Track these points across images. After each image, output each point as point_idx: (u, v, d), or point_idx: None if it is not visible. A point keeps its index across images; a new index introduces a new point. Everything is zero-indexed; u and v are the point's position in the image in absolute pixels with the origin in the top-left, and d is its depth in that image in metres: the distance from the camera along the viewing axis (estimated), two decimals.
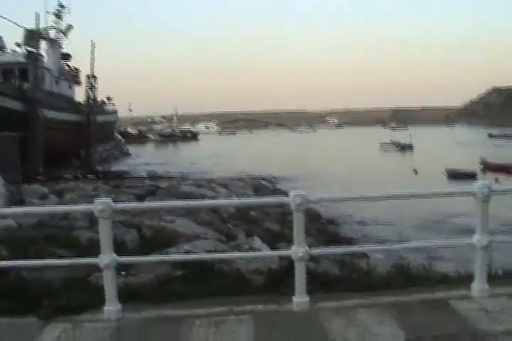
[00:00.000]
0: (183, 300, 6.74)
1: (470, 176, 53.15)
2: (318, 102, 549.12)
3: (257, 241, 10.18)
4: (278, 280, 7.59)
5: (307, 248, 6.31)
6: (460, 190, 6.87)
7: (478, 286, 6.57)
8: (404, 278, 7.29)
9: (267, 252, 7.94)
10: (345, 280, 7.68)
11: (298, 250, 6.26)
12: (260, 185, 42.08)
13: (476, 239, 6.44)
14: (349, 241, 26.17)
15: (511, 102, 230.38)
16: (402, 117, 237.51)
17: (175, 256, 7.50)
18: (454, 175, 53.76)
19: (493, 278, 6.89)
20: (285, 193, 41.99)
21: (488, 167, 60.19)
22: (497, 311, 6.09)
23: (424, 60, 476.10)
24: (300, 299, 6.40)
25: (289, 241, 6.97)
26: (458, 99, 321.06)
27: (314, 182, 54.28)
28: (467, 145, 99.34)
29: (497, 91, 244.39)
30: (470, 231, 6.73)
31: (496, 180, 49.62)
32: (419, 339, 5.48)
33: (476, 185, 6.34)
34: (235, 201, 8.89)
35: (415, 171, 59.84)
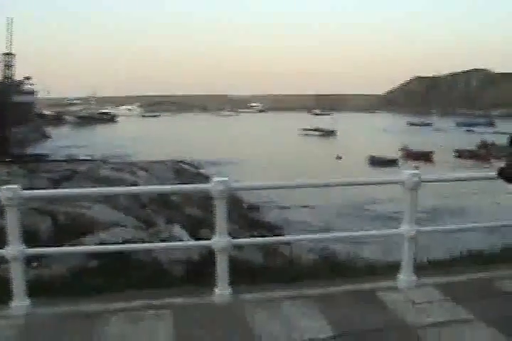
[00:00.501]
0: (98, 294, 6.30)
1: (391, 162, 54.40)
2: (243, 87, 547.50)
3: (177, 229, 9.78)
4: (199, 271, 7.27)
5: (230, 238, 5.98)
6: (389, 179, 6.67)
7: (405, 277, 6.40)
8: (330, 268, 7.07)
9: (187, 243, 7.55)
10: (270, 269, 7.41)
11: (220, 240, 5.92)
12: (182, 169, 41.64)
13: (404, 228, 6.27)
14: (272, 227, 26.22)
15: (431, 91, 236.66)
16: (326, 104, 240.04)
17: (89, 247, 7.00)
18: (376, 162, 54.84)
19: (419, 268, 6.76)
20: (207, 177, 41.94)
21: (408, 154, 61.79)
22: (424, 302, 5.94)
23: (349, 50, 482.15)
24: (222, 291, 6.07)
25: (211, 227, 6.63)
26: (382, 87, 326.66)
27: (237, 167, 54.31)
28: (388, 133, 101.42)
29: (418, 80, 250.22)
30: (391, 219, 6.56)
31: (416, 167, 50.82)
32: (346, 334, 5.25)
33: (405, 174, 6.17)
34: (155, 188, 8.44)
35: (338, 157, 60.64)
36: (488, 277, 6.75)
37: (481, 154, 63.39)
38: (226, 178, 5.90)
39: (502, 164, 5.63)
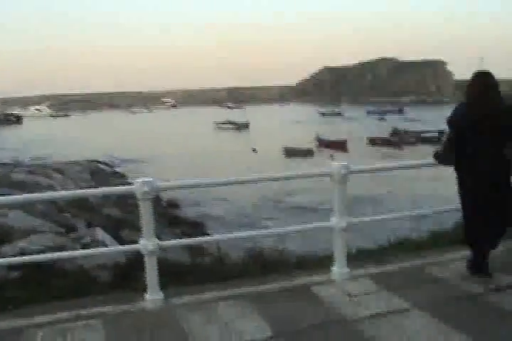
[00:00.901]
0: (21, 308, 5.95)
1: (307, 153, 55.00)
2: (155, 84, 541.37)
3: (99, 232, 9.46)
4: (128, 275, 7.01)
5: (157, 241, 5.76)
6: (318, 172, 6.58)
7: (339, 269, 6.35)
8: (261, 265, 6.94)
9: (112, 248, 7.26)
10: (199, 270, 7.22)
11: (148, 243, 5.69)
12: (98, 169, 40.75)
13: (335, 221, 6.21)
14: (192, 224, 25.96)
15: (341, 81, 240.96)
16: (238, 97, 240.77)
17: (6, 259, 6.57)
18: (291, 153, 55.25)
19: (351, 260, 6.72)
20: (123, 176, 41.30)
21: (322, 143, 62.68)
22: (360, 294, 5.90)
23: (261, 41, 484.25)
24: (153, 296, 5.85)
25: (133, 228, 6.39)
26: (293, 78, 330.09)
27: (153, 164, 53.55)
28: (300, 123, 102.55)
29: (328, 70, 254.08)
30: (309, 210, 6.51)
31: (331, 156, 51.61)
32: (285, 332, 5.12)
33: (334, 166, 6.09)
34: (77, 193, 8.01)
35: (254, 150, 60.80)
36: (419, 264, 6.82)
37: (394, 141, 64.88)
38: (151, 179, 5.66)
39: (437, 147, 5.77)
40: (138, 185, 5.52)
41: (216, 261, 8.02)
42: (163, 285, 6.06)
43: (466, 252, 7.10)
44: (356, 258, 7.15)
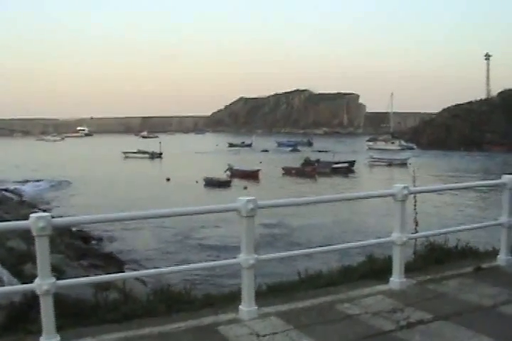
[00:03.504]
0: None
1: (224, 183, 55.27)
2: (68, 111, 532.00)
3: None
4: (23, 317, 6.51)
5: (54, 280, 5.36)
6: (224, 207, 6.33)
7: (246, 308, 6.09)
8: (166, 303, 6.59)
9: (7, 287, 6.73)
10: (101, 308, 6.80)
11: (43, 283, 5.27)
12: (4, 198, 39.13)
13: (242, 258, 5.97)
14: (105, 256, 25.16)
15: (255, 111, 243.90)
16: (152, 125, 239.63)
17: None
18: (210, 183, 55.36)
19: (260, 297, 6.49)
20: (33, 206, 39.93)
21: (235, 174, 63.08)
22: (269, 334, 5.65)
23: (176, 70, 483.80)
24: (49, 340, 5.40)
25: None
26: (208, 108, 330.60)
27: (63, 193, 52.27)
28: (212, 153, 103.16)
29: (243, 100, 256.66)
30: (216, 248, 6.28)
31: (245, 187, 51.93)
32: None
33: (240, 201, 5.85)
34: None
35: (168, 179, 60.49)
36: (329, 300, 6.66)
37: (307, 171, 65.92)
38: (47, 213, 5.28)
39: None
40: (33, 219, 5.13)
41: (121, 298, 7.62)
42: (62, 327, 5.65)
43: (376, 287, 7.05)
44: (266, 294, 6.92)
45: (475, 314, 6.17)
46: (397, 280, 7.02)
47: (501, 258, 8.10)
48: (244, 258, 5.94)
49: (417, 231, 8.53)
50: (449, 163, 79.74)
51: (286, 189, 52.81)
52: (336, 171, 67.93)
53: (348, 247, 7.08)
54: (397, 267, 7.02)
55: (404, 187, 6.82)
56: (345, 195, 6.44)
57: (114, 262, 23.66)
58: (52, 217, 5.34)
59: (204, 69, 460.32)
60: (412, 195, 8.05)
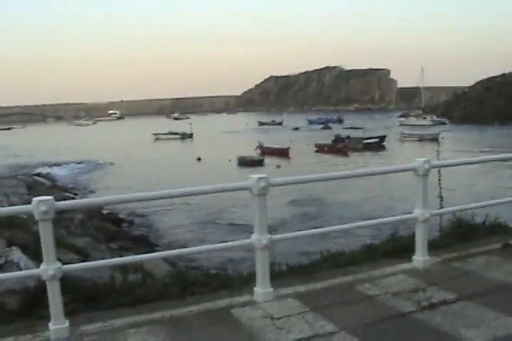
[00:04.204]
0: None
1: (258, 162, 55.18)
2: (99, 95, 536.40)
3: (16, 252, 8.77)
4: (36, 301, 6.39)
5: (60, 264, 5.21)
6: (236, 186, 6.09)
7: (262, 289, 5.88)
8: (181, 286, 6.42)
9: (11, 273, 6.61)
10: (116, 292, 6.65)
11: (48, 268, 5.13)
12: (35, 183, 39.50)
13: (255, 238, 5.75)
14: (135, 238, 25.23)
15: (286, 90, 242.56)
16: (184, 106, 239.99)
17: None
18: (244, 162, 55.35)
19: (278, 278, 6.29)
20: (64, 190, 40.27)
21: (265, 151, 63.31)
22: (284, 317, 5.44)
23: (205, 51, 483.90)
24: (58, 325, 5.26)
25: (58, 245, 5.80)
26: (239, 88, 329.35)
27: (96, 176, 52.62)
28: (243, 133, 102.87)
29: (273, 79, 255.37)
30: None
31: (278, 166, 51.93)
32: None
33: (252, 179, 5.64)
34: None
35: (199, 159, 60.55)
36: (350, 281, 6.42)
37: (339, 147, 66.14)
38: (50, 197, 5.12)
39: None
40: (34, 203, 4.97)
41: (139, 280, 7.48)
42: (74, 311, 5.52)
43: (399, 266, 6.79)
44: (284, 275, 6.72)
45: (501, 293, 5.87)
46: (420, 258, 6.73)
47: None
48: (258, 238, 5.73)
49: (442, 207, 8.22)
50: (482, 138, 78.29)
51: (319, 165, 52.62)
52: (367, 147, 67.55)
53: (368, 225, 6.80)
54: (420, 245, 6.72)
55: (426, 161, 6.48)
56: (362, 170, 6.22)
57: (144, 244, 23.73)
58: (57, 201, 5.19)
59: (233, 49, 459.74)
60: (437, 170, 7.74)
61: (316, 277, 6.59)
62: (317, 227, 7.19)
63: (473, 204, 7.61)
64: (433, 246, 7.22)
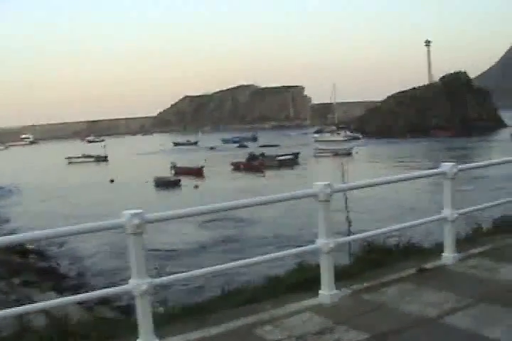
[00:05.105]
0: None
1: (174, 183, 54.61)
2: (13, 118, 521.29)
3: None
4: None
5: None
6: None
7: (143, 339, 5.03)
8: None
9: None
10: None
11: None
12: None
13: (133, 283, 4.91)
14: (43, 270, 23.79)
15: (201, 109, 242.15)
16: (99, 129, 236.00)
17: None
18: (161, 183, 54.84)
19: (167, 323, 5.47)
20: None
21: (179, 171, 63.09)
22: None
23: (119, 72, 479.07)
24: None
25: None
26: (154, 109, 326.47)
27: (9, 202, 50.44)
28: (158, 154, 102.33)
29: (188, 99, 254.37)
30: None
31: (196, 186, 51.58)
32: None
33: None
34: None
35: (112, 181, 59.95)
36: (250, 323, 5.63)
37: (255, 165, 66.62)
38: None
39: None
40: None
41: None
42: None
43: (304, 302, 6.10)
44: (176, 319, 5.89)
45: (417, 329, 5.23)
46: (326, 292, 5.99)
47: (446, 256, 7.23)
48: (136, 282, 4.90)
49: (350, 233, 7.59)
50: (394, 151, 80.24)
51: (236, 183, 53.02)
52: (282, 164, 68.04)
53: (266, 259, 5.98)
54: (326, 278, 5.99)
55: (326, 185, 5.83)
56: (261, 198, 5.42)
57: (51, 277, 22.40)
58: None
59: (148, 70, 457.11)
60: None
61: (212, 319, 5.77)
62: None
63: (384, 229, 6.99)
64: (342, 275, 6.58)
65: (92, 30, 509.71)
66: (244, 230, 31.14)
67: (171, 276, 5.35)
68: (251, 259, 5.96)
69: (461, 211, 7.48)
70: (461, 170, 7.28)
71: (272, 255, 6.03)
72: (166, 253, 26.53)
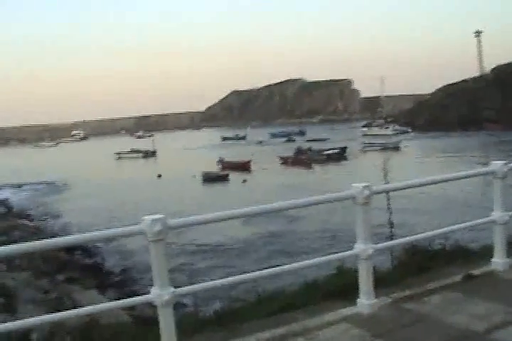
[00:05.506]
0: None
1: (222, 178, 54.60)
2: (63, 114, 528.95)
3: None
4: None
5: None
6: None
7: None
8: None
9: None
10: None
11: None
12: None
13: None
14: (87, 267, 23.86)
15: (249, 104, 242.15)
16: (148, 124, 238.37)
17: None
18: (209, 178, 54.88)
19: (195, 332, 5.16)
20: (19, 216, 38.73)
21: (226, 166, 63.22)
22: None
23: (165, 67, 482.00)
24: None
25: None
26: (203, 103, 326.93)
27: (56, 198, 51.12)
28: (207, 148, 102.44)
29: (236, 94, 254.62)
30: None
31: (244, 180, 51.52)
32: None
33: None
34: None
35: (159, 176, 60.12)
36: (281, 334, 5.27)
37: (302, 159, 66.37)
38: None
39: None
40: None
41: None
42: None
43: (342, 311, 5.73)
44: (203, 327, 5.60)
45: None
46: (365, 301, 5.58)
47: (496, 262, 6.73)
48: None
49: (392, 236, 7.16)
50: (443, 145, 78.64)
51: (284, 177, 52.69)
52: (329, 158, 67.69)
53: (303, 266, 5.62)
54: (365, 285, 5.58)
55: (365, 187, 5.44)
56: (297, 202, 5.04)
57: (95, 273, 22.49)
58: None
59: (195, 64, 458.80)
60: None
61: (241, 330, 5.46)
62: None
63: (429, 233, 6.53)
64: (383, 282, 6.18)
65: (139, 24, 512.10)
66: (290, 227, 30.70)
67: (196, 285, 5.02)
68: (284, 267, 5.58)
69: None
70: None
71: (308, 262, 5.63)
72: (201, 249, 26.67)
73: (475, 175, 7.74)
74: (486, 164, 7.31)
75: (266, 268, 5.57)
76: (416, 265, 6.92)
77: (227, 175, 56.33)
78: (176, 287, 4.69)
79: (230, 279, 5.13)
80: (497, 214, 6.69)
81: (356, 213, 5.53)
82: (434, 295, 6.01)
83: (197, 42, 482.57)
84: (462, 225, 6.84)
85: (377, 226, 6.48)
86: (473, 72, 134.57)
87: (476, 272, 6.61)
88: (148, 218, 4.47)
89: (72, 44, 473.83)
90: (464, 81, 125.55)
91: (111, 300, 14.05)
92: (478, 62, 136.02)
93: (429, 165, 53.29)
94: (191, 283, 5.26)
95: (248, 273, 5.49)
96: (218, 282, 5.03)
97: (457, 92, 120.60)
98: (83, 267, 23.47)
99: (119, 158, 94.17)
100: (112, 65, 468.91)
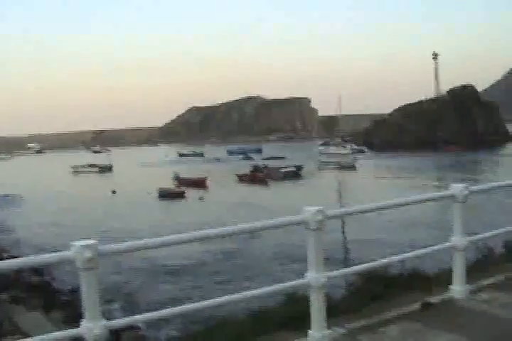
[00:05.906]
0: None
1: (179, 195, 54.04)
2: (19, 127, 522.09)
3: None
4: None
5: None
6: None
7: None
8: None
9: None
10: None
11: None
12: None
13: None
14: (34, 285, 23.02)
15: (208, 120, 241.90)
16: (105, 139, 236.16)
17: None
18: (164, 194, 54.21)
19: None
20: None
21: (182, 182, 62.82)
22: None
23: (122, 82, 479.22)
24: None
25: None
26: (161, 119, 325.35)
27: (12, 212, 49.84)
28: (163, 165, 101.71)
29: (195, 110, 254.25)
30: None
31: (201, 198, 50.97)
32: None
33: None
34: None
35: (113, 192, 59.19)
36: None
37: (259, 176, 66.85)
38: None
39: None
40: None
41: None
42: None
43: None
44: None
45: None
46: (316, 333, 5.13)
47: (455, 289, 6.42)
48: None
49: (346, 262, 6.79)
50: (400, 165, 79.22)
51: (240, 195, 52.46)
52: (285, 176, 68.46)
53: (251, 296, 5.20)
54: (316, 316, 5.11)
55: (319, 211, 5.03)
56: (246, 226, 4.62)
57: (42, 292, 21.62)
58: None
59: (155, 80, 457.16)
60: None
61: None
62: None
63: (384, 261, 6.15)
64: (337, 311, 5.79)
65: (98, 38, 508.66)
66: (244, 245, 30.16)
67: (133, 317, 4.56)
68: (233, 296, 5.12)
69: (472, 238, 6.63)
70: (472, 192, 6.44)
71: (254, 292, 5.14)
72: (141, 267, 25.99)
73: (433, 199, 7.53)
74: (440, 186, 7.05)
75: (209, 299, 5.11)
76: (372, 292, 6.56)
77: (183, 192, 55.68)
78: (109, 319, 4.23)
79: (169, 310, 4.67)
80: (456, 240, 6.39)
81: (308, 239, 5.10)
82: (391, 325, 5.63)
83: (156, 58, 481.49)
84: (420, 252, 6.50)
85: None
86: (430, 93, 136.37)
87: (434, 300, 6.29)
88: (77, 243, 4.01)
89: (29, 56, 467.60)
90: (420, 102, 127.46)
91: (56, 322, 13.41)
92: (435, 83, 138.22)
93: (383, 186, 53.40)
94: (126, 314, 4.79)
95: (191, 303, 5.03)
96: (155, 314, 4.54)
97: (414, 113, 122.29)
98: (30, 285, 22.51)
99: (75, 172, 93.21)
100: (69, 79, 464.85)
